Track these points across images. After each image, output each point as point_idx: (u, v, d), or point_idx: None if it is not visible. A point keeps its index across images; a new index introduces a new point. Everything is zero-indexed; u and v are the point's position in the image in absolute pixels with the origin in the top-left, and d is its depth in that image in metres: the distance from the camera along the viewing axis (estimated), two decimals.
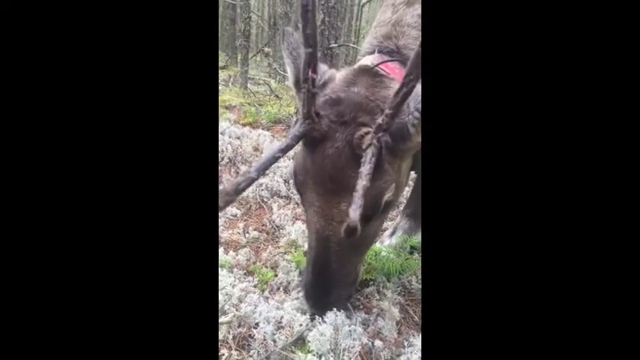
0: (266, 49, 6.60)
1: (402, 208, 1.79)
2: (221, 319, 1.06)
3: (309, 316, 1.09)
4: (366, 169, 0.80)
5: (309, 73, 0.80)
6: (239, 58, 5.97)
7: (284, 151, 0.85)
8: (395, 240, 1.60)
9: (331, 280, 1.04)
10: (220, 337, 1.04)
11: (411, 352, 0.99)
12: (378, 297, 1.26)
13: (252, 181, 0.78)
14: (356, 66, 1.11)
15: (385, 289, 1.29)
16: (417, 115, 0.88)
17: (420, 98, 0.88)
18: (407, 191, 2.10)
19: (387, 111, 0.83)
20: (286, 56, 1.11)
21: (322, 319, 1.03)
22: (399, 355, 1.01)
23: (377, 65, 1.09)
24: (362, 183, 0.77)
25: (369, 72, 1.04)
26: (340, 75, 1.06)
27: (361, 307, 1.22)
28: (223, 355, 0.98)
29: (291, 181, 1.08)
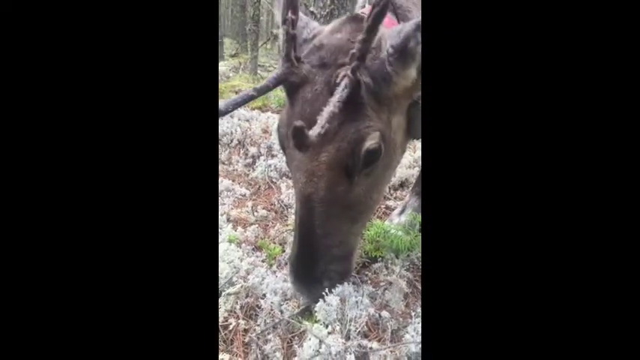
0: (275, 30, 6.55)
1: (411, 187, 1.77)
2: (228, 290, 1.07)
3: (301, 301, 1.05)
4: (335, 98, 0.77)
5: (289, 14, 0.78)
6: (249, 43, 5.95)
7: (259, 91, 0.84)
8: (404, 218, 1.59)
9: (316, 249, 0.95)
10: (228, 307, 1.05)
11: (418, 323, 0.98)
12: (386, 272, 1.26)
13: (220, 114, 0.76)
14: (344, 17, 1.09)
15: (394, 265, 1.28)
16: (392, 51, 0.86)
17: (396, 34, 0.86)
18: (417, 170, 2.09)
19: (359, 37, 0.78)
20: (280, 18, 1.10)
21: (329, 290, 1.03)
22: (405, 326, 1.00)
23: None
24: (329, 109, 0.75)
25: (355, 19, 1.00)
26: (328, 26, 1.04)
27: (369, 281, 1.21)
28: (231, 324, 1.00)
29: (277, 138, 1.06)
